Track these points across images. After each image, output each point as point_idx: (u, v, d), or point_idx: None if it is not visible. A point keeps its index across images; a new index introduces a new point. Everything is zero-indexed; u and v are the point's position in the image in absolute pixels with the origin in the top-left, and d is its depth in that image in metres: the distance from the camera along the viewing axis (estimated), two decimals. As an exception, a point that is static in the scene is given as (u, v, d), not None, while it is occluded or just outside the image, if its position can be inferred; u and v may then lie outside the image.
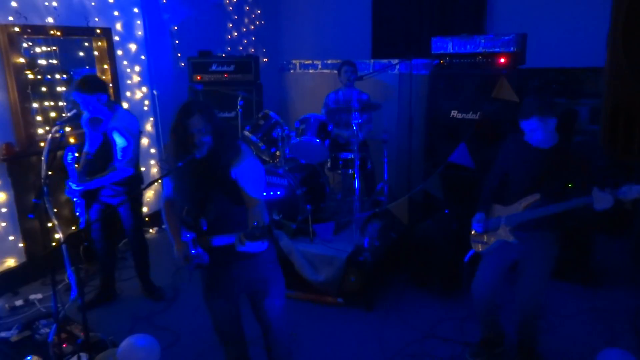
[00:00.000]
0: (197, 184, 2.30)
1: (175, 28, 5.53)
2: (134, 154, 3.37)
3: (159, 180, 2.36)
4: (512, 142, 2.75)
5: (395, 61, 5.12)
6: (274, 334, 2.54)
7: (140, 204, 3.82)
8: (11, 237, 3.96)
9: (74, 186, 3.31)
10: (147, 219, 5.21)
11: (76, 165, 3.36)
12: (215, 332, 2.64)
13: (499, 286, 2.86)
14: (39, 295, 3.81)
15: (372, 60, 5.48)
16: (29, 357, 2.96)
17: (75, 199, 3.41)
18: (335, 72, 4.86)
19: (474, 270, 2.94)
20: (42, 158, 3.13)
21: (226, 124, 2.36)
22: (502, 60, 4.10)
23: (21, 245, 4.03)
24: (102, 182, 3.35)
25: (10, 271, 3.96)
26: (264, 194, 2.37)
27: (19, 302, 3.74)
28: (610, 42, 3.29)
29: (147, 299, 3.83)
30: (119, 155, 3.30)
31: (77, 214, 3.46)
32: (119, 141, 3.28)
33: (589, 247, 3.84)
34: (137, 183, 3.56)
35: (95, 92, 3.19)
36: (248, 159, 2.28)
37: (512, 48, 4.06)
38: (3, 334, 3.24)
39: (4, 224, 3.90)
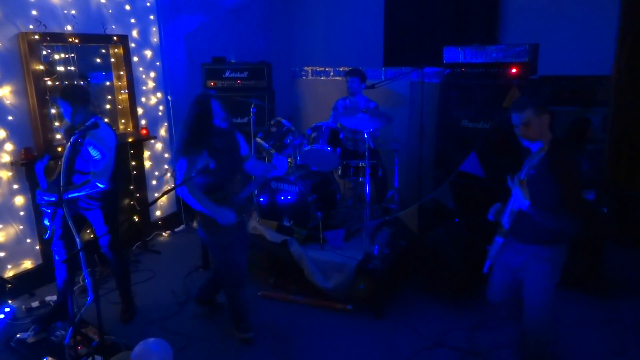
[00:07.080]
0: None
1: (190, 35, 5.62)
2: (108, 167, 3.23)
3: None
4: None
5: (407, 69, 5.15)
6: None
7: (114, 219, 3.55)
8: (28, 240, 4.05)
9: (45, 197, 3.21)
10: (159, 222, 5.30)
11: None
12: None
13: (509, 293, 2.86)
14: (55, 297, 3.84)
15: (384, 68, 5.50)
16: (45, 359, 3.04)
17: (45, 209, 3.28)
18: (347, 79, 4.88)
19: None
20: (60, 165, 3.11)
21: None
22: (514, 70, 4.12)
23: (37, 247, 4.12)
24: (75, 194, 3.21)
25: (26, 273, 4.05)
26: None
27: (35, 304, 3.82)
28: (615, 79, 3.34)
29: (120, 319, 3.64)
30: (92, 167, 3.20)
31: (46, 223, 3.33)
32: (94, 154, 3.17)
33: (600, 257, 3.83)
34: (112, 198, 3.44)
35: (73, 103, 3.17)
36: None
37: (523, 58, 4.08)
38: (20, 336, 3.32)
39: (21, 227, 3.99)
